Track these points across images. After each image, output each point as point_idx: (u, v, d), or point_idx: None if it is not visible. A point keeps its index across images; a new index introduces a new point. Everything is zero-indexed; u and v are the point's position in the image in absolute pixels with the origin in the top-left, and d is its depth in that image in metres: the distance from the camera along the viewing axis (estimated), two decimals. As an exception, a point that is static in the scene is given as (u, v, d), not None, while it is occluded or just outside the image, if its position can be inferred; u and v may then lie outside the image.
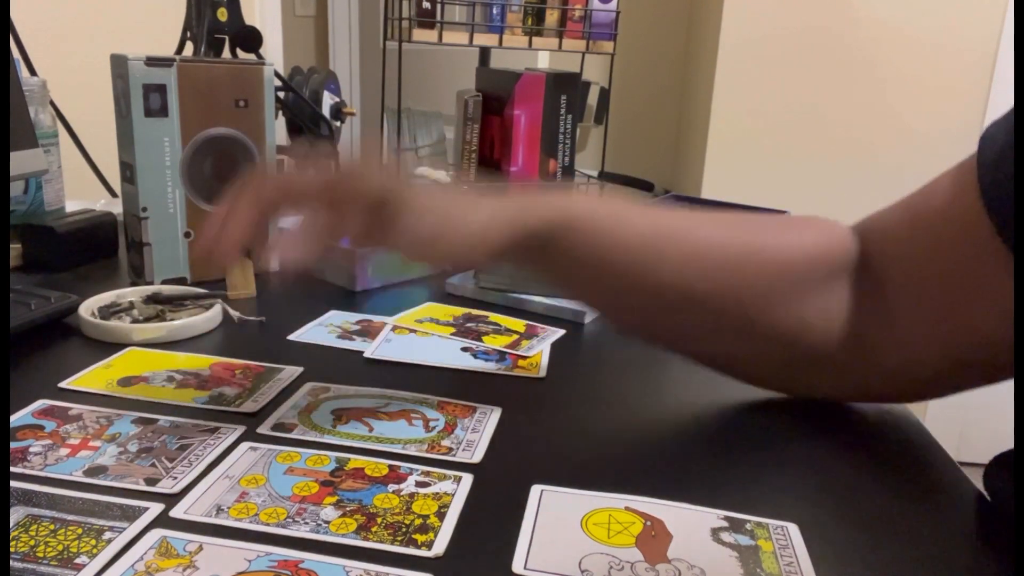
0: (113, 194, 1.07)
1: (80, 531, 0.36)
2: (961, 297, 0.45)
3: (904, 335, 0.48)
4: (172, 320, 0.63)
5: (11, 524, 0.37)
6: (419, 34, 0.93)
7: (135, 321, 0.63)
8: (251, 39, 0.87)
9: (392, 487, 0.42)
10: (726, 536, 0.39)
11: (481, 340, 0.64)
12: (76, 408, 0.49)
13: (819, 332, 0.50)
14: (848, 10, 2.00)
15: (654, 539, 0.38)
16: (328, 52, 3.19)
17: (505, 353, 0.62)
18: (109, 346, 0.59)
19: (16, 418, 0.47)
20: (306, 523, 0.38)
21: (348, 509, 0.39)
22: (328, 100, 1.00)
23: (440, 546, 0.37)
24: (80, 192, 1.05)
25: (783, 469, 0.46)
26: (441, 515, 0.39)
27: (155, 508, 0.38)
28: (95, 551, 0.35)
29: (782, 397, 0.55)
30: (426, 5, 0.92)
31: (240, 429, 0.47)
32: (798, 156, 2.12)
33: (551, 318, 0.71)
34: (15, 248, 0.78)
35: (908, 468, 0.48)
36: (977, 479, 0.46)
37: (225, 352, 0.59)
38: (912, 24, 2.00)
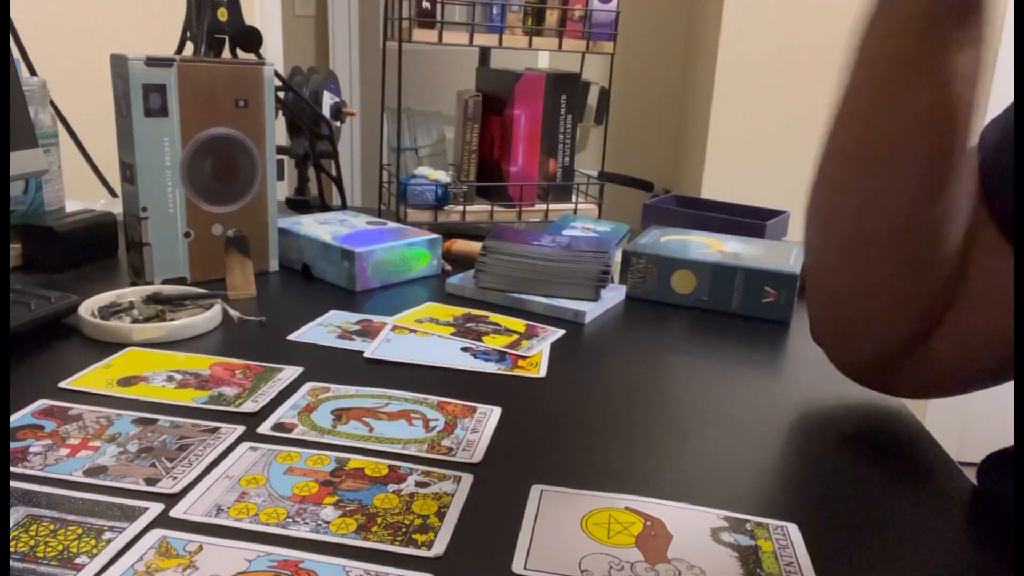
0: (113, 194, 1.07)
1: (80, 531, 0.36)
2: (964, 294, 0.45)
3: (947, 327, 0.47)
4: (172, 320, 0.63)
5: (11, 524, 0.37)
6: (419, 34, 0.93)
7: (135, 321, 0.63)
8: (251, 39, 0.87)
9: (392, 487, 0.42)
10: (726, 536, 0.39)
11: (481, 340, 0.64)
12: (76, 408, 0.49)
13: (946, 257, 0.46)
14: (848, 10, 2.00)
15: (654, 539, 0.38)
16: (328, 52, 3.19)
17: (505, 353, 0.62)
18: (109, 346, 0.59)
19: (16, 418, 0.47)
20: (306, 523, 0.38)
21: (348, 509, 0.39)
22: (328, 100, 1.00)
23: (440, 546, 0.37)
24: (80, 192, 1.05)
25: (783, 469, 0.46)
26: (441, 515, 0.39)
27: (155, 508, 0.38)
28: (95, 551, 0.35)
29: (781, 397, 0.55)
30: (426, 5, 0.92)
31: (240, 429, 0.47)
32: (798, 156, 2.12)
33: (551, 318, 0.71)
34: (15, 248, 0.78)
35: (908, 468, 0.48)
36: (976, 479, 0.46)
37: (225, 352, 0.59)
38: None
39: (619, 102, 2.50)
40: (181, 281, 0.74)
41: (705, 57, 2.22)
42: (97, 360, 0.56)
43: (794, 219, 0.98)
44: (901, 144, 0.43)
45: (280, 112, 0.94)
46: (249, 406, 0.50)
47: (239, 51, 0.88)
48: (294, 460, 0.44)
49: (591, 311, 0.71)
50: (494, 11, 0.96)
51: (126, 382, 0.53)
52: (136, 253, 0.73)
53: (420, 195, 0.95)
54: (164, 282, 0.73)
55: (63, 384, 0.52)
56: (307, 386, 0.54)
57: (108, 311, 0.63)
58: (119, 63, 0.68)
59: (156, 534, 0.36)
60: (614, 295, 0.76)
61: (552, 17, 0.98)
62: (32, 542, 0.35)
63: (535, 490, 0.42)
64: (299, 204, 1.02)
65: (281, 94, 0.94)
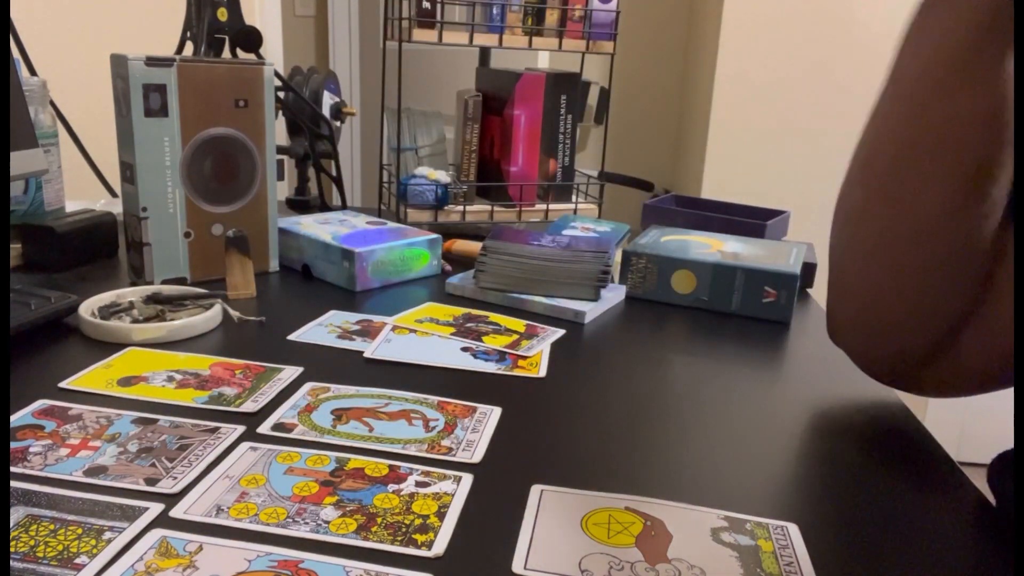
0: (113, 194, 1.07)
1: (80, 531, 0.36)
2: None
3: (975, 322, 0.47)
4: (172, 320, 0.63)
5: (11, 524, 0.37)
6: (419, 34, 0.93)
7: (135, 321, 0.63)
8: (251, 39, 0.87)
9: (392, 487, 0.42)
10: (726, 536, 0.39)
11: (481, 340, 0.64)
12: (76, 408, 0.49)
13: (981, 257, 0.46)
14: (848, 10, 2.00)
15: (654, 539, 0.38)
16: (328, 52, 3.19)
17: (505, 353, 0.62)
18: (109, 346, 0.59)
19: (16, 418, 0.47)
20: (306, 523, 0.38)
21: (348, 509, 0.39)
22: (328, 100, 1.00)
23: (440, 546, 0.37)
24: (80, 192, 1.05)
25: (783, 469, 0.46)
26: (441, 515, 0.39)
27: (155, 508, 0.38)
28: (95, 551, 0.35)
29: (781, 397, 0.55)
30: (426, 5, 0.92)
31: (240, 429, 0.47)
32: (798, 156, 2.12)
33: (551, 318, 0.71)
34: (15, 248, 0.79)
35: (908, 468, 0.48)
36: (977, 479, 0.46)
37: (225, 352, 0.59)
38: (912, 24, 1.99)
39: (619, 102, 2.50)
40: (181, 281, 0.74)
41: (705, 57, 2.22)
42: (97, 360, 0.56)
43: (794, 219, 0.98)
44: (951, 146, 0.43)
45: (280, 112, 0.94)
46: (249, 406, 0.50)
47: (239, 51, 0.88)
48: (294, 460, 0.44)
49: (591, 311, 0.71)
50: (494, 11, 0.96)
51: (126, 382, 0.53)
52: (136, 253, 0.73)
53: (420, 195, 0.95)
54: (164, 282, 0.73)
55: (63, 384, 0.52)
56: (307, 386, 0.54)
57: (108, 311, 0.63)
58: (119, 63, 0.68)
59: (156, 534, 0.36)
60: (614, 295, 0.76)
61: (552, 17, 0.98)
62: (32, 542, 0.35)
63: (535, 490, 0.42)
64: (299, 204, 1.02)
65: (281, 94, 0.94)
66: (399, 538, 0.37)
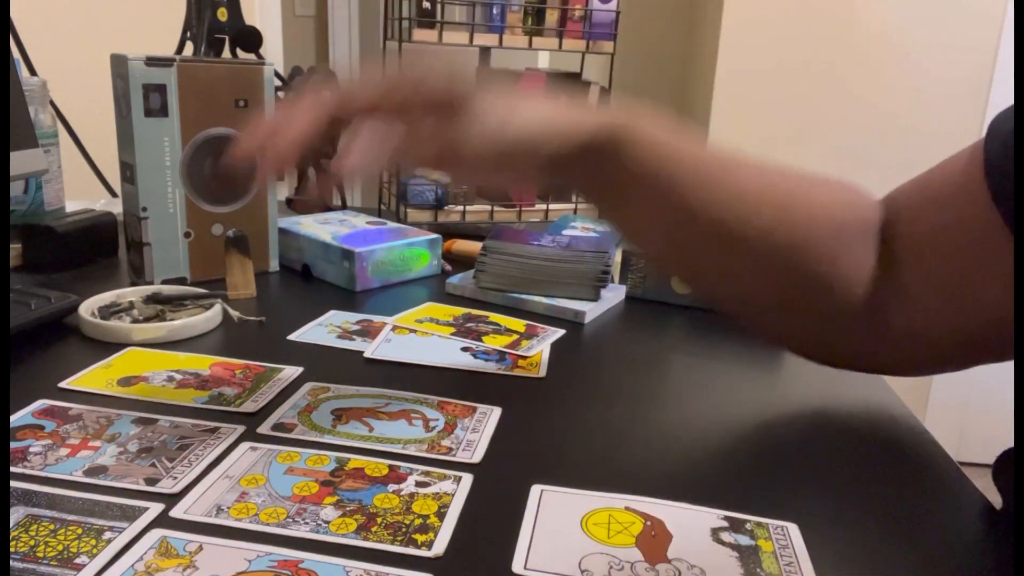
0: (113, 194, 1.07)
1: (80, 531, 0.36)
2: (969, 274, 0.46)
3: (916, 308, 0.48)
4: (172, 320, 0.63)
5: (11, 524, 0.37)
6: (419, 34, 0.93)
7: (135, 321, 0.63)
8: (251, 39, 0.87)
9: (392, 487, 0.42)
10: (726, 536, 0.39)
11: (481, 340, 0.64)
12: (76, 408, 0.49)
13: (845, 290, 0.50)
14: (848, 10, 2.00)
15: (654, 539, 0.38)
16: (328, 52, 3.19)
17: (505, 353, 0.62)
18: (109, 346, 0.59)
19: (16, 418, 0.47)
20: (306, 523, 0.38)
21: (348, 509, 0.39)
22: (328, 100, 1.00)
23: (440, 546, 0.37)
24: (80, 192, 1.05)
25: (783, 469, 0.46)
26: (441, 515, 0.39)
27: (155, 508, 0.38)
28: (95, 551, 0.35)
29: (781, 397, 0.55)
30: (426, 5, 0.92)
31: (240, 429, 0.47)
32: (798, 156, 2.12)
33: (551, 318, 0.71)
34: (15, 248, 0.78)
35: (908, 468, 0.48)
36: (977, 479, 0.46)
37: (225, 352, 0.59)
38: (912, 25, 2.00)
39: (619, 102, 2.50)
40: (181, 281, 0.74)
41: (705, 57, 2.22)
42: (97, 360, 0.56)
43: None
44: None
45: (280, 112, 0.94)
46: (249, 406, 0.50)
47: (239, 51, 0.88)
48: (294, 460, 0.44)
49: (591, 311, 0.71)
50: (494, 11, 0.96)
51: (126, 382, 0.53)
52: (136, 253, 0.73)
53: (420, 195, 0.95)
54: (164, 282, 0.73)
55: (63, 384, 0.52)
56: (307, 386, 0.54)
57: (108, 311, 0.63)
58: (119, 63, 0.68)
59: (156, 534, 0.36)
60: (614, 295, 0.76)
61: (552, 17, 0.98)
62: (32, 542, 0.35)
63: (535, 490, 0.42)
64: (299, 204, 1.02)
65: (281, 94, 0.94)
66: (399, 538, 0.37)
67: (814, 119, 2.09)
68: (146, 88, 0.68)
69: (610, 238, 0.82)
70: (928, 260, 0.48)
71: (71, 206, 0.90)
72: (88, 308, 0.63)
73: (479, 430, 0.49)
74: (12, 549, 0.35)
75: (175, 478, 0.41)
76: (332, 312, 0.69)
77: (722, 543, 0.38)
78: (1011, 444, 0.43)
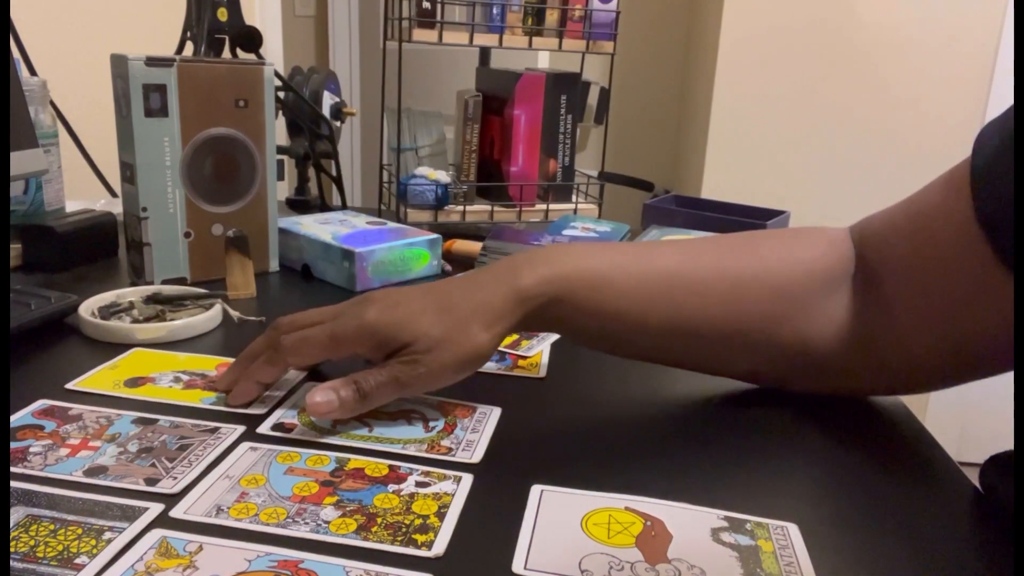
0: (113, 194, 1.07)
1: (80, 531, 0.36)
2: (957, 298, 0.45)
3: (905, 335, 0.48)
4: (172, 320, 0.63)
5: (11, 524, 0.37)
6: (419, 34, 0.93)
7: (135, 321, 0.63)
8: (251, 39, 0.87)
9: (392, 487, 0.42)
10: (726, 536, 0.39)
11: (481, 340, 0.64)
12: (76, 408, 0.49)
13: (824, 342, 0.50)
14: (848, 10, 2.00)
15: (654, 539, 0.38)
16: (328, 52, 3.19)
17: (505, 353, 0.62)
18: (109, 346, 0.59)
19: (16, 418, 0.47)
20: (306, 523, 0.38)
21: (348, 509, 0.39)
22: (328, 100, 1.00)
23: (440, 546, 0.37)
24: (80, 192, 1.05)
25: (783, 469, 0.46)
26: (441, 515, 0.39)
27: (155, 508, 0.38)
28: (95, 551, 0.35)
29: (781, 397, 0.55)
30: (426, 5, 0.92)
31: (240, 429, 0.47)
32: (798, 156, 2.12)
33: (551, 318, 0.71)
34: (15, 248, 0.78)
35: (908, 468, 0.48)
36: (977, 479, 0.46)
37: (225, 352, 0.59)
38: (912, 24, 2.00)
39: (619, 102, 2.50)
40: (181, 281, 0.74)
41: (705, 57, 2.22)
42: (97, 360, 0.56)
43: (794, 219, 0.98)
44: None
45: (280, 112, 0.94)
46: (257, 407, 0.50)
47: (239, 51, 0.88)
48: (294, 460, 0.44)
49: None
50: (494, 11, 0.96)
51: (133, 383, 0.53)
52: (136, 253, 0.73)
53: (420, 195, 0.95)
54: (164, 282, 0.73)
55: (70, 385, 0.52)
56: (307, 386, 0.54)
57: (108, 311, 0.63)
58: (119, 63, 0.68)
59: (156, 534, 0.36)
60: (614, 295, 0.76)
61: (552, 17, 0.98)
62: (32, 542, 0.35)
63: (535, 490, 0.42)
64: (299, 204, 1.02)
65: (281, 94, 0.94)
66: (399, 538, 0.37)
67: (814, 120, 2.09)
68: (146, 88, 0.68)
69: (610, 239, 0.82)
70: (915, 287, 0.47)
71: (71, 206, 0.90)
72: (88, 308, 0.63)
73: (479, 430, 0.49)
74: (12, 549, 0.35)
75: (175, 478, 0.41)
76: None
77: (722, 543, 0.38)
78: (1010, 444, 0.43)
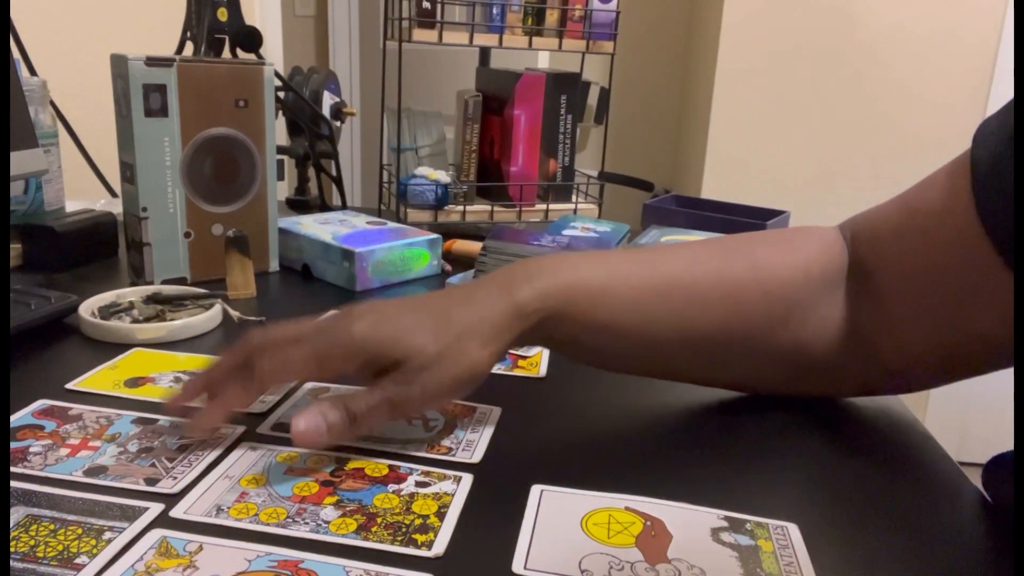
0: (113, 194, 1.07)
1: (80, 531, 0.36)
2: (956, 297, 0.45)
3: (901, 333, 0.48)
4: (172, 320, 0.63)
5: (11, 524, 0.37)
6: (419, 34, 0.93)
7: (135, 321, 0.63)
8: (251, 39, 0.87)
9: (392, 487, 0.42)
10: (726, 536, 0.39)
11: (481, 340, 0.64)
12: (76, 408, 0.49)
13: (820, 344, 0.50)
14: (848, 10, 2.00)
15: (654, 539, 0.38)
16: (328, 52, 3.19)
17: (505, 353, 0.62)
18: (109, 346, 0.59)
19: (16, 418, 0.47)
20: (306, 523, 0.38)
21: (348, 509, 0.39)
22: (328, 100, 1.00)
23: (440, 546, 0.37)
24: (80, 192, 1.05)
25: (783, 469, 0.46)
26: (441, 515, 0.39)
27: (155, 508, 0.38)
28: (95, 551, 0.35)
29: (781, 397, 0.55)
30: (426, 5, 0.92)
31: (240, 429, 0.47)
32: (798, 156, 2.12)
33: (551, 318, 0.71)
34: (15, 248, 0.79)
35: (908, 468, 0.48)
36: (977, 479, 0.46)
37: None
38: (912, 24, 2.00)
39: (619, 102, 2.50)
40: (181, 281, 0.74)
41: (705, 57, 2.22)
42: (98, 360, 0.56)
43: (794, 219, 0.98)
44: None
45: (280, 112, 0.94)
46: (258, 406, 0.50)
47: (239, 51, 0.88)
48: (294, 460, 0.44)
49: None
50: (494, 11, 0.96)
51: (133, 383, 0.53)
52: (136, 253, 0.73)
53: (420, 195, 0.95)
54: (164, 282, 0.73)
55: (70, 385, 0.52)
56: (307, 386, 0.54)
57: (108, 311, 0.63)
58: (119, 63, 0.68)
59: (156, 534, 0.36)
60: (614, 295, 0.76)
61: (552, 17, 0.98)
62: (32, 542, 0.35)
63: (535, 490, 0.42)
64: (299, 204, 1.02)
65: (281, 94, 0.94)
66: (399, 538, 0.37)
67: (814, 120, 2.09)
68: (146, 88, 0.68)
69: (610, 239, 0.82)
70: (913, 284, 0.47)
71: (71, 206, 0.90)
72: (88, 308, 0.63)
73: (479, 430, 0.49)
74: (12, 549, 0.35)
75: (175, 478, 0.41)
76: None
77: (722, 543, 0.38)
78: (1010, 444, 0.43)
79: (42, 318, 0.60)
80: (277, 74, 0.86)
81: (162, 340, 0.61)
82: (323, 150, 0.99)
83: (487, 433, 0.48)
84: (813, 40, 2.03)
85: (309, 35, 3.21)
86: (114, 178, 0.98)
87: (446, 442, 0.47)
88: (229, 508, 0.39)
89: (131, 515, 0.38)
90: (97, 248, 0.82)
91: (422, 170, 0.97)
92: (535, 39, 0.98)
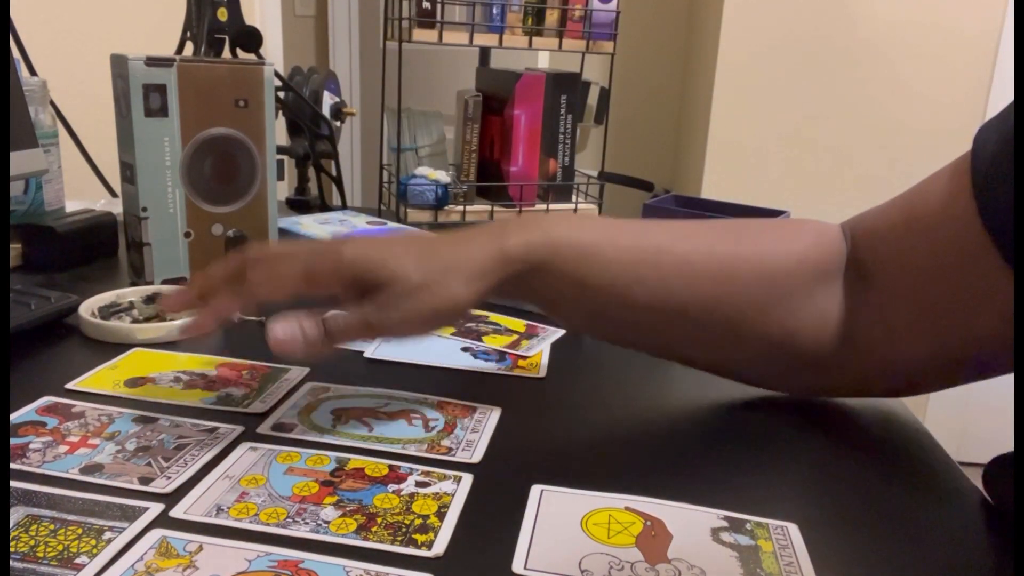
0: (113, 194, 1.07)
1: (80, 531, 0.36)
2: (956, 298, 0.45)
3: (898, 333, 0.48)
4: (172, 320, 0.63)
5: (11, 524, 0.37)
6: (419, 34, 0.93)
7: (135, 321, 0.63)
8: (251, 39, 0.87)
9: (392, 487, 0.42)
10: (726, 536, 0.39)
11: (481, 340, 0.64)
12: (79, 406, 0.49)
13: (812, 336, 0.50)
14: (848, 10, 2.00)
15: (654, 539, 0.38)
16: (328, 52, 3.19)
17: (505, 353, 0.62)
18: (109, 346, 0.59)
19: (20, 414, 0.47)
20: (306, 523, 0.38)
21: (348, 509, 0.39)
22: (328, 100, 1.00)
23: (440, 546, 0.37)
24: (80, 192, 1.05)
25: (783, 469, 0.46)
26: (441, 515, 0.39)
27: (155, 508, 0.38)
28: (95, 551, 0.35)
29: (781, 397, 0.55)
30: (426, 5, 0.92)
31: (239, 429, 0.47)
32: (798, 156, 2.12)
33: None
34: (15, 248, 0.78)
35: (908, 468, 0.48)
36: (977, 479, 0.46)
37: (226, 352, 0.59)
38: (912, 24, 2.00)
39: (619, 102, 2.50)
40: (181, 281, 0.74)
41: (705, 57, 2.22)
42: (98, 360, 0.56)
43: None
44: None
45: (280, 112, 0.94)
46: (257, 407, 0.50)
47: (239, 51, 0.88)
48: (294, 460, 0.44)
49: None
50: (494, 11, 0.96)
51: (133, 383, 0.53)
52: (136, 253, 0.73)
53: (420, 195, 0.95)
54: (164, 282, 0.73)
55: (70, 385, 0.52)
56: (307, 386, 0.54)
57: (108, 311, 0.63)
58: (119, 63, 0.68)
59: (156, 534, 0.36)
60: (614, 295, 0.76)
61: (552, 17, 0.98)
62: (32, 542, 0.35)
63: (535, 490, 0.42)
64: (299, 204, 1.02)
65: (281, 94, 0.94)
66: (399, 538, 0.37)
67: (814, 120, 2.09)
68: (146, 88, 0.68)
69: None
70: (911, 284, 0.47)
71: (71, 206, 0.90)
72: (88, 308, 0.63)
73: (479, 430, 0.49)
74: (12, 549, 0.35)
75: (169, 478, 0.41)
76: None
77: (722, 543, 0.38)
78: (1011, 445, 0.43)
79: (42, 318, 0.60)
80: (277, 74, 0.86)
81: (162, 340, 0.61)
82: (323, 150, 0.99)
83: (487, 433, 0.48)
84: (813, 41, 2.03)
85: (309, 35, 3.21)
86: (114, 178, 0.99)
87: (446, 442, 0.47)
88: (229, 508, 0.39)
89: (131, 515, 0.38)
90: (97, 248, 0.82)
91: (422, 170, 0.97)
92: (535, 39, 0.98)
